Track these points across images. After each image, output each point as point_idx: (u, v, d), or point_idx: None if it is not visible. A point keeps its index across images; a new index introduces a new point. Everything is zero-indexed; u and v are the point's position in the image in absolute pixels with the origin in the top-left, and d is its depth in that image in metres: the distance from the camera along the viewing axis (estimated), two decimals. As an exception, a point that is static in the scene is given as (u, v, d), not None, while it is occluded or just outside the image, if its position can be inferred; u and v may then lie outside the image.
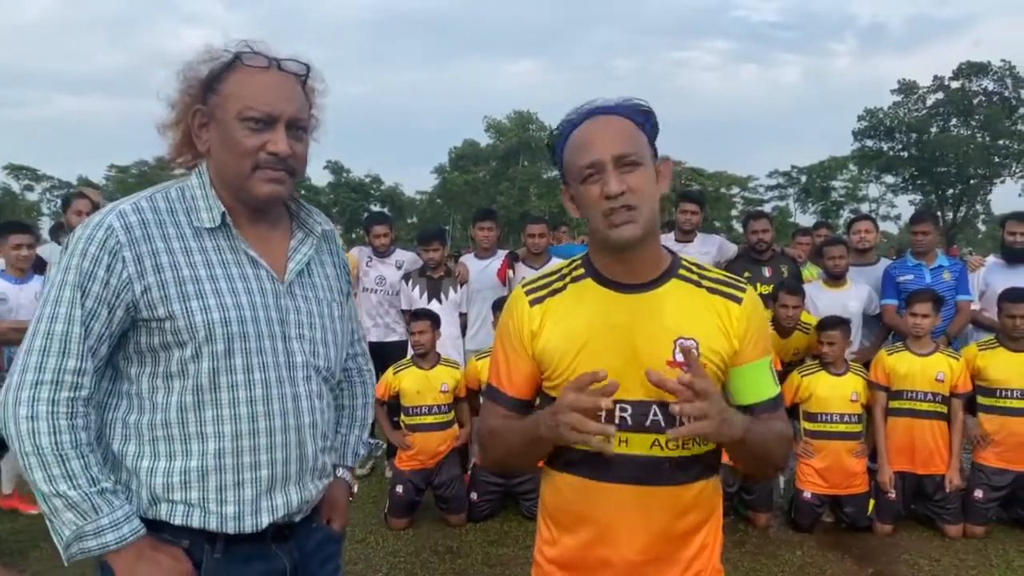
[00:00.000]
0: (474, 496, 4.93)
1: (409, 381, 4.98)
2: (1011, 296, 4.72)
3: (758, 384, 1.59)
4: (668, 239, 5.91)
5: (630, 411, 1.51)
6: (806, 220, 53.60)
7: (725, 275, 1.63)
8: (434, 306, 5.56)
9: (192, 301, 1.49)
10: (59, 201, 5.10)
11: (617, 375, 1.45)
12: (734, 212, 61.31)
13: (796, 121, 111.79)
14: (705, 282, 1.58)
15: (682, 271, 1.59)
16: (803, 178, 66.35)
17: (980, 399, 4.78)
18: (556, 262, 1.70)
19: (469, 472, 5.10)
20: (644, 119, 1.53)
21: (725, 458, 1.61)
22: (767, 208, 62.47)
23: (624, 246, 1.50)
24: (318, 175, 65.94)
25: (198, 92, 1.54)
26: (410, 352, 5.21)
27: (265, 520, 1.57)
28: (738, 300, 1.57)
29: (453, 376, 5.02)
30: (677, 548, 1.56)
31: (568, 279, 1.61)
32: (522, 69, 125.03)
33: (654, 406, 1.51)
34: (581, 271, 1.61)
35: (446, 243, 5.93)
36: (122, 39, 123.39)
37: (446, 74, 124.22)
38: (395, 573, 4.19)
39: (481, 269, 5.88)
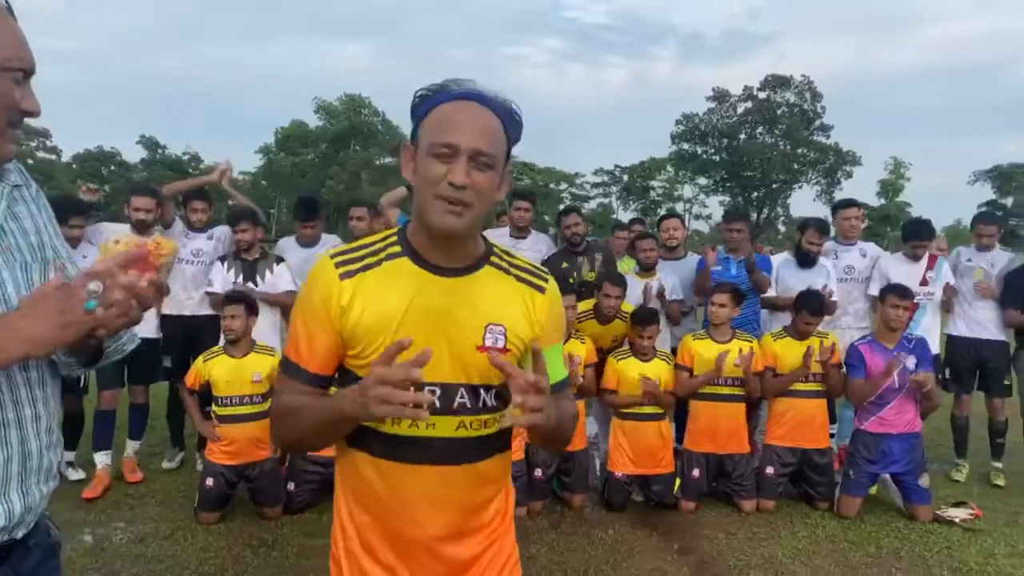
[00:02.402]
0: (292, 487, 4.76)
1: (220, 370, 4.71)
2: (806, 300, 5.17)
3: (553, 367, 1.64)
4: (503, 234, 6.02)
5: (439, 393, 1.52)
6: (628, 217, 56.20)
7: (531, 264, 1.68)
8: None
9: None
10: None
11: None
12: (561, 207, 63.28)
13: (621, 121, 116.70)
14: (513, 270, 1.63)
15: (494, 258, 1.62)
16: (625, 177, 69.54)
17: (774, 384, 5.20)
18: (341, 246, 1.63)
19: (286, 463, 4.92)
20: (513, 126, 1.54)
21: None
22: (592, 204, 65.12)
23: (442, 235, 1.49)
24: (130, 150, 61.49)
25: None
26: (223, 339, 4.93)
27: None
28: (542, 290, 1.64)
29: (268, 363, 4.77)
30: (474, 519, 1.62)
31: (383, 255, 1.57)
32: (355, 52, 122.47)
33: (462, 389, 1.54)
34: (398, 248, 1.57)
35: (258, 224, 5.63)
36: None
37: (275, 51, 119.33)
38: (204, 569, 3.98)
39: (305, 259, 5.65)
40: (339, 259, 1.56)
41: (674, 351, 5.39)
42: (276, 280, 5.47)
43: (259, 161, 64.57)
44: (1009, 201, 62.61)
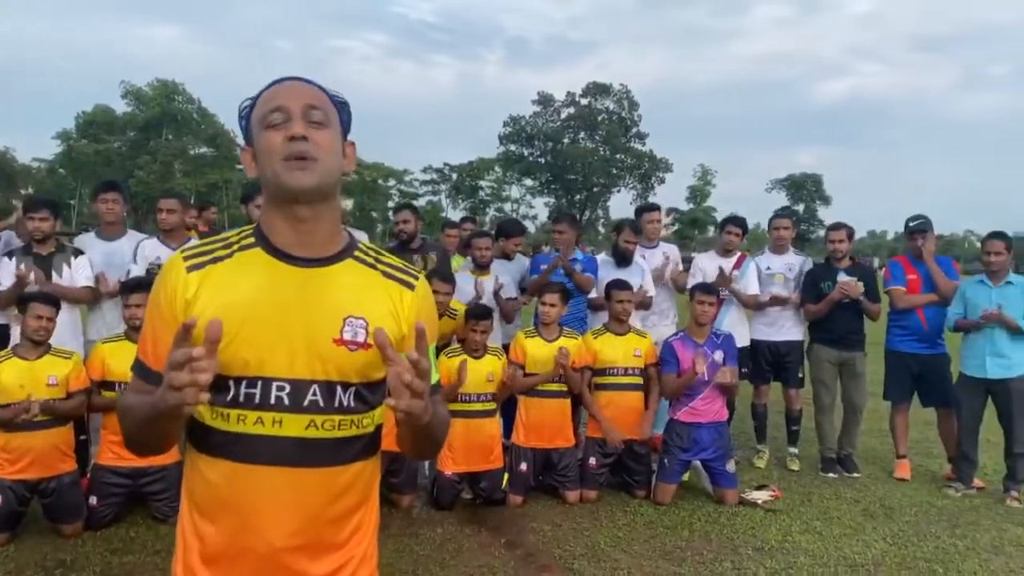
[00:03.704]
0: (94, 501, 4.38)
1: (10, 374, 4.24)
2: (616, 285, 5.46)
3: None
4: None
5: (288, 390, 1.44)
6: (457, 215, 56.64)
7: (400, 262, 1.62)
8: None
9: None
10: None
11: (279, 351, 1.43)
12: (390, 204, 62.80)
13: (450, 120, 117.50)
14: (380, 266, 1.57)
15: (358, 253, 1.57)
16: (455, 176, 70.19)
17: (596, 379, 5.41)
18: (195, 241, 1.54)
19: (88, 474, 4.52)
20: (341, 107, 1.54)
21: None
22: (422, 201, 65.22)
23: (297, 195, 1.43)
24: None
25: None
26: (12, 340, 4.44)
27: None
28: (411, 287, 1.58)
29: (64, 367, 4.37)
30: (328, 532, 1.50)
31: (235, 247, 1.50)
32: (168, 36, 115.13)
33: (315, 386, 1.45)
34: (251, 240, 1.51)
35: (58, 214, 5.12)
36: None
37: (76, 29, 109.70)
38: (-13, 600, 3.59)
39: (107, 253, 5.22)
40: (189, 252, 1.50)
41: (505, 348, 5.47)
42: (74, 274, 5.01)
43: (57, 147, 59.17)
44: (801, 208, 69.14)
